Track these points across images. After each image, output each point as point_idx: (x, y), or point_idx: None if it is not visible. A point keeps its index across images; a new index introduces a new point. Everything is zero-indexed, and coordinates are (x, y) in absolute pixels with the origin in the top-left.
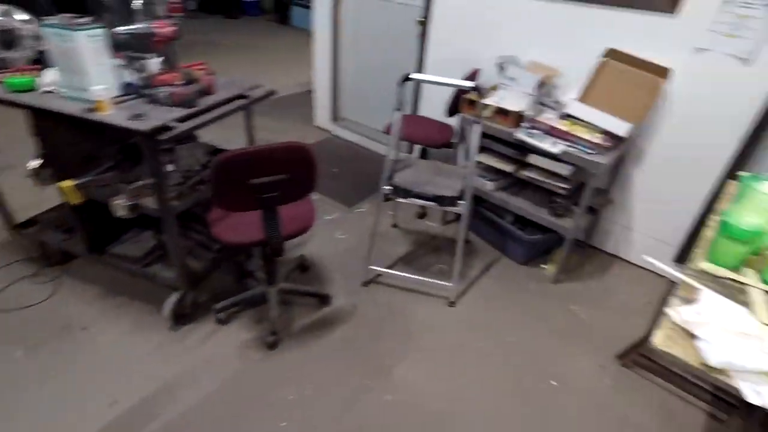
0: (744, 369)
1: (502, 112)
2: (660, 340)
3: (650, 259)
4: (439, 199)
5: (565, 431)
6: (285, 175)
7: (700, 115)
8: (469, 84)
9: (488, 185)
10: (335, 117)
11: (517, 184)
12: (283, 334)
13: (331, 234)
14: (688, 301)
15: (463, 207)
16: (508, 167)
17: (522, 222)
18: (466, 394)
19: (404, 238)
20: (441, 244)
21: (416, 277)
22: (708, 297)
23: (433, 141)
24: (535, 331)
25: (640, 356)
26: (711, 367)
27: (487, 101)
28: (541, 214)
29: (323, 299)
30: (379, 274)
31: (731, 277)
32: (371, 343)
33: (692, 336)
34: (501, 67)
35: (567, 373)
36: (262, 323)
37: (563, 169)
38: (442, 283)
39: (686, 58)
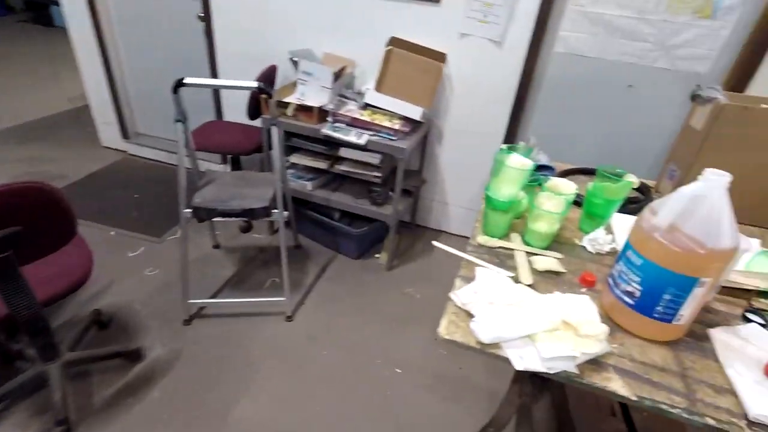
0: (511, 338)
1: (304, 109)
2: (444, 328)
3: (437, 244)
4: (249, 213)
5: (415, 413)
6: (19, 228)
7: (476, 93)
8: (252, 84)
9: (307, 185)
10: (127, 134)
11: (335, 180)
12: (79, 418)
13: (138, 272)
14: (469, 279)
15: (277, 215)
16: (322, 164)
17: (350, 216)
18: (313, 412)
19: (229, 258)
20: (271, 257)
21: (247, 299)
22: (480, 272)
23: (241, 148)
24: (376, 323)
25: None
26: (486, 344)
27: (288, 99)
28: (363, 206)
29: (131, 356)
30: (203, 307)
31: (501, 245)
32: (202, 390)
33: (471, 317)
34: (294, 62)
35: (408, 356)
36: (46, 413)
37: (373, 158)
38: (275, 299)
39: (455, 43)
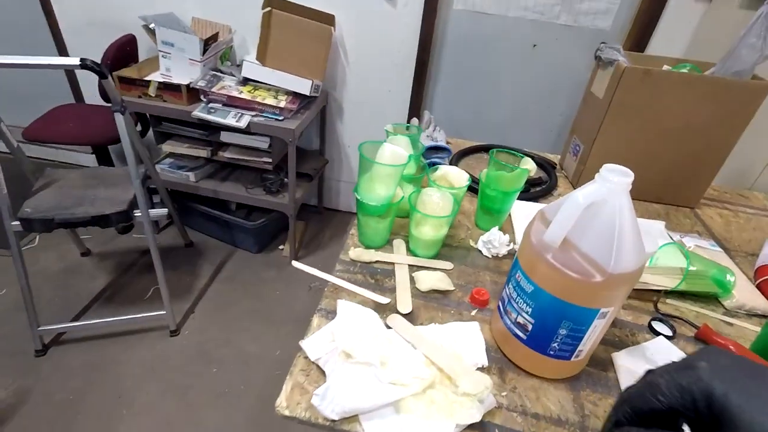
0: (369, 409)
1: (169, 88)
2: (285, 397)
3: (298, 265)
4: (101, 220)
5: None
6: None
7: (373, 60)
8: (69, 62)
9: (190, 177)
10: None
11: (224, 168)
12: None
13: None
14: (332, 314)
15: (144, 216)
16: (202, 152)
17: (249, 207)
18: None
19: (102, 267)
20: None
21: (118, 318)
22: (342, 307)
23: (99, 138)
24: (277, 328)
25: None
26: (337, 420)
27: (150, 76)
28: (257, 196)
29: None
30: (62, 333)
31: (378, 258)
32: None
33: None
34: (150, 30)
35: None
36: None
37: (261, 143)
38: (154, 313)
39: (343, 2)
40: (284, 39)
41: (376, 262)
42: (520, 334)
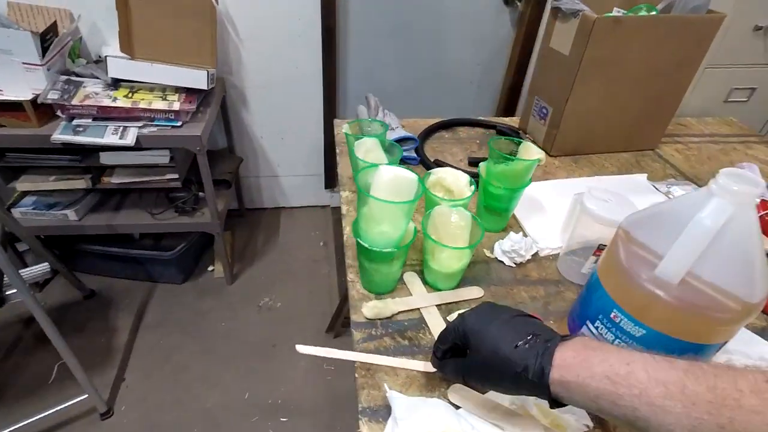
0: None
1: (4, 108)
2: None
3: (303, 349)
4: None
5: None
6: None
7: (271, 32)
8: None
9: (69, 215)
10: None
11: (113, 194)
12: None
13: None
14: (376, 411)
15: (21, 292)
16: (79, 183)
17: (155, 235)
18: None
19: None
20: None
21: (22, 423)
22: (397, 405)
23: None
24: (236, 365)
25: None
26: None
27: None
28: (169, 220)
29: None
30: None
31: (398, 308)
32: None
33: None
34: None
35: (290, 394)
36: None
37: (159, 157)
38: (73, 402)
39: None
40: (151, 20)
41: (399, 313)
42: None
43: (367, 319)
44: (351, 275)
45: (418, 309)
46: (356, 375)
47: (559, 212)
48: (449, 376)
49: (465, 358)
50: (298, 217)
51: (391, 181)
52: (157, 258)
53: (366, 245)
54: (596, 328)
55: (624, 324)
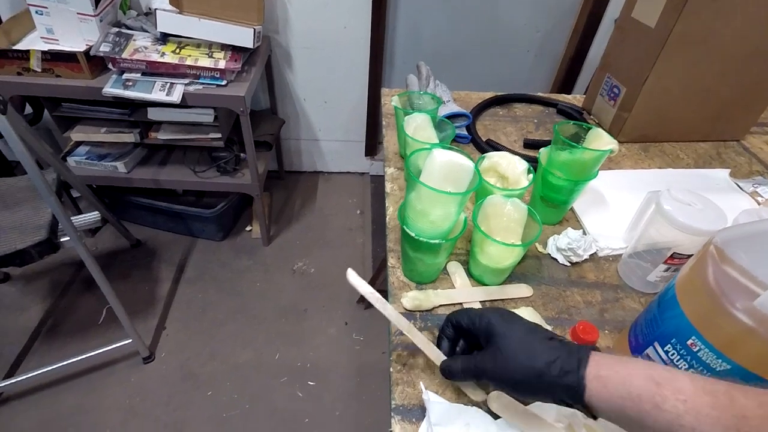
0: None
1: (60, 58)
2: None
3: (352, 277)
4: (17, 257)
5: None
6: None
7: None
8: None
9: (119, 167)
10: None
11: (160, 150)
12: None
13: None
14: (409, 409)
15: (73, 241)
16: (127, 137)
17: (197, 192)
18: None
19: (31, 293)
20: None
21: (73, 359)
22: (435, 411)
23: None
24: (267, 325)
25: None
26: None
27: (23, 44)
28: (210, 179)
29: None
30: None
31: (442, 302)
32: None
33: None
34: None
35: (319, 358)
36: None
37: (203, 116)
38: (119, 344)
39: None
40: None
41: (440, 306)
42: None
43: (407, 310)
44: (392, 260)
45: (461, 303)
46: (391, 369)
47: (623, 208)
48: (458, 372)
49: (480, 353)
50: (336, 183)
51: (445, 167)
52: (198, 215)
53: (412, 234)
54: (666, 352)
55: (703, 354)
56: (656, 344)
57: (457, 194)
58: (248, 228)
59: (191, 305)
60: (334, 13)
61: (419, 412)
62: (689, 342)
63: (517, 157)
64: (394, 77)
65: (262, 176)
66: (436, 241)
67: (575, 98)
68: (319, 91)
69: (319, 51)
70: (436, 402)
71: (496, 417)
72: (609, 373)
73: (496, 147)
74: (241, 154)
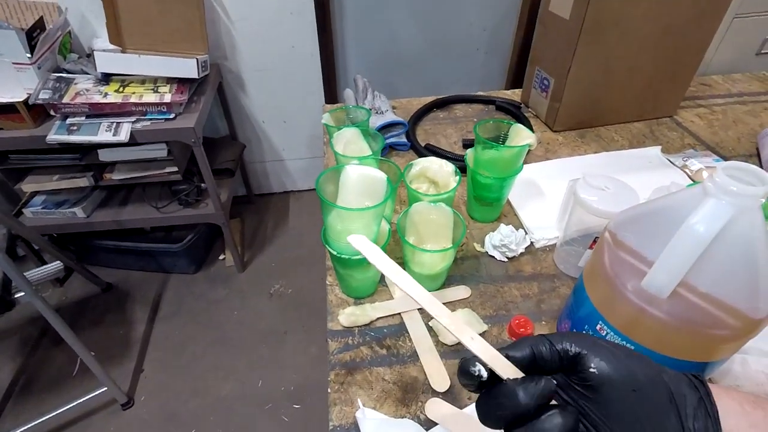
0: None
1: (1, 110)
2: None
3: (354, 240)
4: None
5: None
6: None
7: (262, 13)
8: None
9: (77, 212)
10: None
11: (119, 190)
12: None
13: None
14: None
15: (28, 296)
16: (81, 182)
17: (166, 227)
18: None
19: (0, 351)
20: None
21: (48, 416)
22: (366, 424)
23: None
24: (249, 351)
25: None
26: None
27: None
28: (173, 213)
29: None
30: None
31: (380, 314)
32: None
33: None
34: None
35: (302, 380)
36: None
37: (156, 152)
38: (94, 394)
39: None
40: (139, 7)
41: (378, 319)
42: None
43: (344, 327)
44: (330, 279)
45: (399, 314)
46: (329, 390)
47: (558, 197)
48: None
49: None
50: (307, 200)
51: (359, 181)
52: (167, 250)
53: (335, 253)
54: None
55: (610, 338)
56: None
57: (368, 208)
58: (221, 257)
59: (168, 343)
60: (280, 34)
61: (357, 430)
62: (598, 327)
63: (444, 160)
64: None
65: (226, 204)
66: (359, 257)
67: (514, 93)
68: (276, 112)
69: (271, 72)
70: (369, 419)
71: (430, 426)
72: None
73: (434, 151)
74: (202, 185)
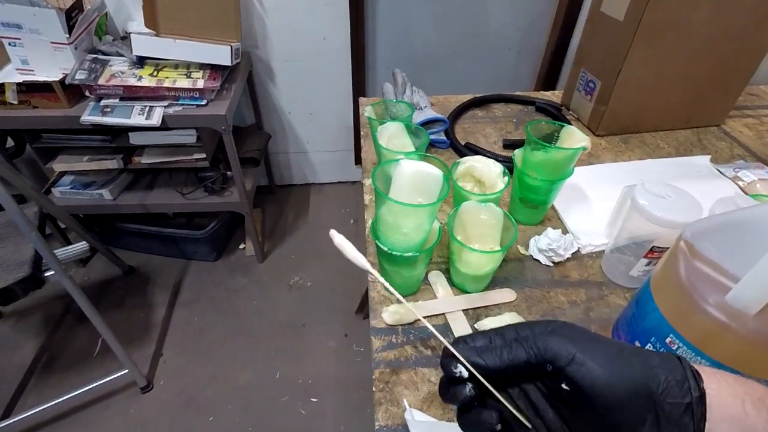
0: None
1: (36, 89)
2: None
3: (334, 235)
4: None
5: None
6: None
7: (296, 3)
8: None
9: (104, 194)
10: None
11: (146, 174)
12: None
13: None
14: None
15: (58, 274)
16: (111, 164)
17: (188, 214)
18: None
19: (24, 329)
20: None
21: (69, 395)
22: (415, 426)
23: None
24: (267, 343)
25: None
26: None
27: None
28: (198, 199)
29: None
30: None
31: (425, 314)
32: None
33: None
34: None
35: (320, 374)
36: None
37: (185, 137)
38: (114, 376)
39: None
40: None
41: (418, 319)
42: None
43: (388, 325)
44: (370, 273)
45: (443, 314)
46: (374, 388)
47: (605, 203)
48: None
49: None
50: (328, 194)
51: (413, 177)
52: (189, 236)
53: (385, 249)
54: None
55: (682, 352)
56: (637, 343)
57: (426, 205)
58: (242, 246)
59: (188, 329)
60: (313, 25)
61: (404, 431)
62: (668, 340)
63: (492, 160)
64: (377, 84)
65: (250, 193)
66: (411, 254)
67: (554, 94)
68: (303, 103)
69: (301, 63)
70: (418, 421)
71: None
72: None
73: (475, 150)
74: (228, 173)
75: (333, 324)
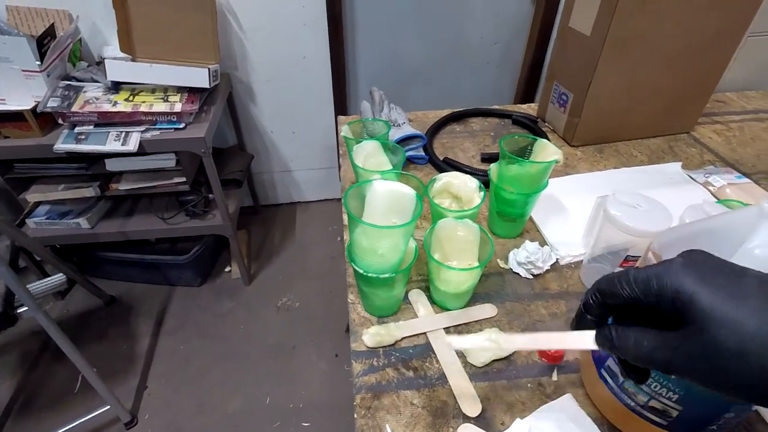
0: None
1: (7, 118)
2: None
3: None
4: None
5: None
6: None
7: (275, 21)
8: None
9: (82, 223)
10: None
11: (124, 200)
12: None
13: None
14: None
15: (32, 310)
16: (87, 192)
17: (171, 239)
18: None
19: (0, 367)
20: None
21: None
22: None
23: None
24: (256, 368)
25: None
26: None
27: None
28: (180, 224)
29: None
30: None
31: (405, 334)
32: None
33: None
34: None
35: (311, 397)
36: None
37: (164, 161)
38: (97, 413)
39: None
40: (150, 15)
41: (403, 339)
42: (656, 418)
43: (369, 348)
44: (351, 296)
45: (425, 333)
46: (355, 415)
47: (582, 212)
48: (632, 353)
49: (678, 332)
50: (315, 212)
51: (387, 197)
52: (172, 262)
53: (361, 271)
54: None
55: None
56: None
57: (400, 226)
58: (227, 269)
59: (173, 357)
60: (292, 44)
61: None
62: None
63: (468, 175)
64: (359, 100)
65: (233, 215)
66: (388, 275)
67: (530, 107)
68: (286, 122)
69: (282, 82)
70: None
71: None
72: None
73: (453, 165)
74: (210, 195)
75: (323, 344)
